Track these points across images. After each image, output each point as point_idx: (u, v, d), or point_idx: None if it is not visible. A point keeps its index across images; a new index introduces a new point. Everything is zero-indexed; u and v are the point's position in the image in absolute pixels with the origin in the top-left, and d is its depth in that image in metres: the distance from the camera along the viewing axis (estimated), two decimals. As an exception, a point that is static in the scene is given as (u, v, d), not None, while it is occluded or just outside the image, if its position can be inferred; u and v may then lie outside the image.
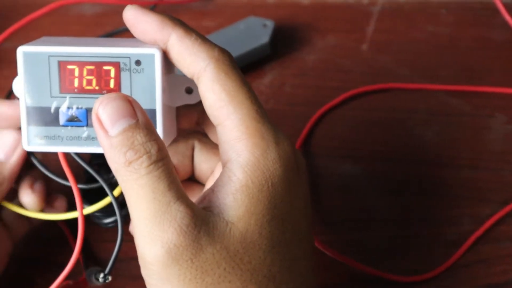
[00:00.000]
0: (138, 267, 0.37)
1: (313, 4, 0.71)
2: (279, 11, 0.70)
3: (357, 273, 0.55)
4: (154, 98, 0.41)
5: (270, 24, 0.66)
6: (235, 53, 0.63)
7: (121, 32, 0.68)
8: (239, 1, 0.71)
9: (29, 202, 0.46)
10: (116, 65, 0.41)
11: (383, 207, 0.58)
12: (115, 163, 0.36)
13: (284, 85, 0.65)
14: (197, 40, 0.38)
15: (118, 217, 0.44)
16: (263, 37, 0.65)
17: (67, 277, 0.45)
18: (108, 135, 0.36)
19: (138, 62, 0.41)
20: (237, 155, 0.37)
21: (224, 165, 0.38)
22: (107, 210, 0.49)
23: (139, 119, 0.36)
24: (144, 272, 0.36)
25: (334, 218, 0.58)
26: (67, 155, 0.44)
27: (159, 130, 0.41)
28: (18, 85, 0.42)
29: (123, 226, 0.44)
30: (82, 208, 0.44)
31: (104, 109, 0.36)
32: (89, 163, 0.44)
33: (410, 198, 0.59)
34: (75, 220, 0.45)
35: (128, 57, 0.41)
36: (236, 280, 0.35)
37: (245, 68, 0.64)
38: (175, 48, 0.39)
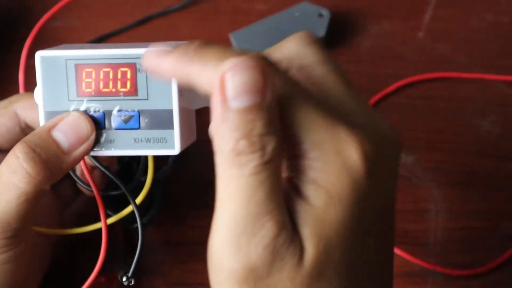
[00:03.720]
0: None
1: (368, -10, 0.69)
2: (335, -3, 0.68)
3: (409, 265, 0.55)
4: (171, 99, 0.41)
5: (326, 14, 0.63)
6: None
7: (172, 12, 0.68)
8: (294, -16, 0.70)
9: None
10: (132, 67, 0.41)
11: (438, 198, 0.58)
12: (221, 143, 0.31)
13: (338, 71, 0.64)
14: (211, 62, 0.32)
15: (139, 225, 0.44)
16: (319, 30, 0.62)
17: (100, 273, 0.45)
18: (226, 104, 0.30)
19: None
20: (298, 173, 0.33)
21: None
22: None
23: (267, 99, 0.31)
24: (213, 276, 0.33)
25: (387, 207, 0.57)
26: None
27: (176, 132, 0.41)
28: (38, 90, 0.42)
29: (143, 233, 0.44)
30: (106, 217, 0.44)
31: (234, 76, 0.30)
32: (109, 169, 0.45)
33: (466, 189, 0.58)
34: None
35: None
36: None
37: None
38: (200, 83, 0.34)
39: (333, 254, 0.32)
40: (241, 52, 0.32)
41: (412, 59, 0.65)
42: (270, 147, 0.31)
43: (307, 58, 0.36)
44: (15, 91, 0.61)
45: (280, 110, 0.32)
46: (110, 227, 0.45)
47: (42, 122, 0.42)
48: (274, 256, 0.31)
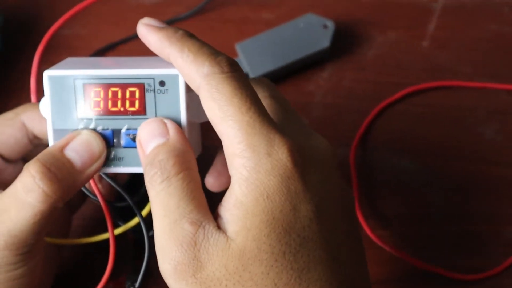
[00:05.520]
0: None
1: (373, 0, 0.70)
2: (339, 5, 0.69)
3: (413, 269, 0.55)
4: (179, 117, 0.41)
5: (331, 25, 0.64)
6: (294, 55, 0.63)
7: (179, 21, 0.69)
8: (300, -6, 0.71)
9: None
10: (141, 86, 0.41)
11: (441, 204, 0.58)
12: (145, 178, 0.38)
13: (343, 79, 0.65)
14: (188, 58, 0.38)
15: (145, 235, 0.45)
16: (324, 41, 0.63)
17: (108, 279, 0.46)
18: (144, 154, 0.39)
19: (162, 83, 0.41)
20: (235, 170, 0.36)
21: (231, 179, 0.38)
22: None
23: (170, 136, 0.39)
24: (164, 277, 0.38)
25: (390, 213, 0.58)
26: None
27: None
28: (45, 107, 0.42)
29: (150, 243, 0.44)
30: (113, 228, 0.45)
31: (141, 132, 0.40)
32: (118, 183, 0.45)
33: (468, 195, 0.59)
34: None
35: (152, 78, 0.41)
36: None
37: (303, 62, 0.64)
38: (176, 68, 0.40)
39: (265, 242, 0.35)
40: (212, 53, 0.38)
41: (416, 68, 0.65)
42: (169, 165, 0.37)
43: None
44: (27, 97, 0.62)
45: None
46: (120, 235, 0.46)
47: (51, 140, 0.42)
48: (198, 251, 0.36)
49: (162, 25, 0.40)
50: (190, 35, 0.40)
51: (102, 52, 0.67)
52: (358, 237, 0.40)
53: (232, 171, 0.37)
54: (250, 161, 0.36)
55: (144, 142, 0.39)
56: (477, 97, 0.64)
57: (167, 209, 0.37)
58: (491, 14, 0.68)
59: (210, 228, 0.36)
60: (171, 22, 0.69)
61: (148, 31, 0.40)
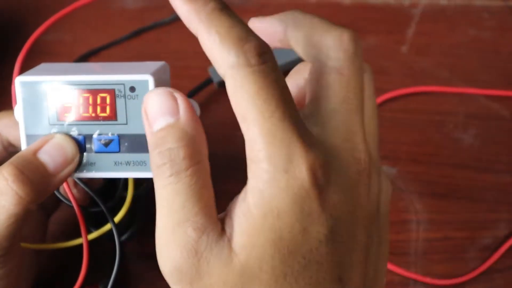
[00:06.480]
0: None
1: (354, 5, 0.71)
2: (320, 11, 0.70)
3: (390, 275, 0.56)
4: None
5: None
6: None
7: (164, 25, 0.69)
8: (281, 0, 0.72)
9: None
10: (111, 92, 0.41)
11: (419, 209, 0.59)
12: (150, 161, 0.36)
13: (323, 84, 0.65)
14: (215, 41, 0.34)
15: (116, 243, 0.45)
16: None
17: (83, 284, 0.46)
18: (151, 131, 0.36)
19: (132, 89, 0.41)
20: (252, 177, 0.34)
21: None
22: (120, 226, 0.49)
23: (180, 117, 0.36)
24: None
25: (369, 218, 0.58)
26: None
27: None
28: (19, 113, 0.43)
29: (121, 250, 0.45)
30: (86, 234, 0.45)
31: (149, 102, 0.36)
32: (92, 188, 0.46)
33: (446, 200, 0.59)
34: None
35: (122, 83, 0.41)
36: None
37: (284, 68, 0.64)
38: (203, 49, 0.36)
39: (267, 262, 0.33)
40: (241, 38, 0.33)
41: (396, 73, 0.66)
42: (179, 158, 0.34)
43: (338, 68, 0.36)
44: (9, 103, 0.62)
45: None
46: (98, 239, 0.46)
47: (23, 145, 0.43)
48: (198, 260, 0.34)
49: None
50: (222, 9, 0.34)
51: (84, 58, 0.67)
52: (383, 256, 0.38)
53: (249, 174, 0.34)
54: (267, 174, 0.33)
55: (152, 117, 0.36)
56: (456, 102, 0.64)
57: (171, 208, 0.34)
58: (470, 19, 0.69)
59: (215, 236, 0.34)
60: (155, 27, 0.69)
61: (176, 3, 0.35)
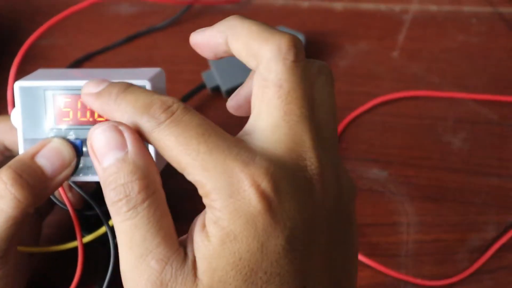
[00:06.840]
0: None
1: (346, 11, 0.72)
2: (312, 17, 0.70)
3: (381, 276, 0.56)
4: None
5: (301, 38, 0.64)
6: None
7: (156, 31, 0.70)
8: (274, 5, 0.72)
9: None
10: None
11: (410, 212, 0.59)
12: (105, 197, 0.36)
13: (315, 89, 0.66)
14: (129, 119, 0.36)
15: (111, 246, 0.46)
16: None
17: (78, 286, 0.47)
18: (102, 167, 0.36)
19: None
20: (207, 209, 0.35)
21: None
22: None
23: (129, 150, 0.35)
24: None
25: (361, 221, 0.59)
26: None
27: None
28: (16, 117, 0.43)
29: (116, 253, 0.45)
30: (81, 237, 0.45)
31: (95, 139, 0.36)
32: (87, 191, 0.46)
33: (437, 203, 0.60)
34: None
35: None
36: None
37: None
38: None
39: (231, 283, 0.34)
40: (147, 103, 0.35)
41: (387, 78, 0.67)
42: (134, 193, 0.34)
43: (279, 76, 0.36)
44: (4, 108, 0.63)
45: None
46: (92, 243, 0.47)
47: (21, 149, 0.43)
48: None
49: (100, 86, 0.38)
50: (124, 90, 0.37)
51: (79, 62, 0.68)
52: (349, 254, 0.38)
53: (206, 208, 0.35)
54: (216, 204, 0.34)
55: (100, 153, 0.36)
56: (446, 106, 0.65)
57: (132, 242, 0.34)
58: (459, 25, 0.70)
59: (178, 265, 0.34)
60: (149, 32, 0.70)
61: (88, 102, 0.38)
